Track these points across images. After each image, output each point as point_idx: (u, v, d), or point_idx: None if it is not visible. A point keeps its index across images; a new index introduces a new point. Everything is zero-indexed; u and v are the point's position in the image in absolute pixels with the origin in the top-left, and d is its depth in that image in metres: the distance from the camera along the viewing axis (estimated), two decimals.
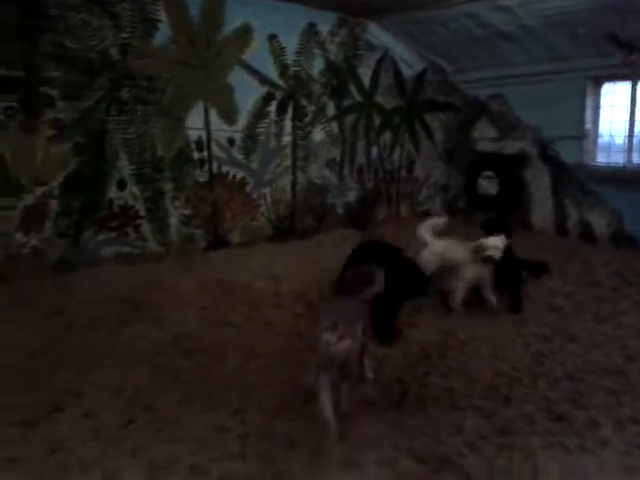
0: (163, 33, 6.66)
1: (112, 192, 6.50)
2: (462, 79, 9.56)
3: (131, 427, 3.20)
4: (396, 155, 9.58)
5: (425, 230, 5.54)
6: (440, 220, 5.74)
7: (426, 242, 5.47)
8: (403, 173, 9.74)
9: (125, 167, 6.56)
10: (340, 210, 8.88)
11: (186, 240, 7.11)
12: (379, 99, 9.16)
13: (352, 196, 9.03)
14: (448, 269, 5.32)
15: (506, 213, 8.38)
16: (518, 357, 4.23)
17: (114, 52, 6.32)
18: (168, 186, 6.91)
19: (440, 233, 5.61)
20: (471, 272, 5.12)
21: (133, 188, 6.63)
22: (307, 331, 4.62)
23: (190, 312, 5.03)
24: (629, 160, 7.93)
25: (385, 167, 9.44)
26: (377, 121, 9.19)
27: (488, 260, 4.99)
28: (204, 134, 7.17)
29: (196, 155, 7.14)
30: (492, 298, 5.16)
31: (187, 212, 7.11)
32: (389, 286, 3.52)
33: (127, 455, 2.91)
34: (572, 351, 4.32)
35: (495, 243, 5.00)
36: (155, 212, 6.81)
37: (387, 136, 9.38)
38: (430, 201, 10.20)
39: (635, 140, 7.95)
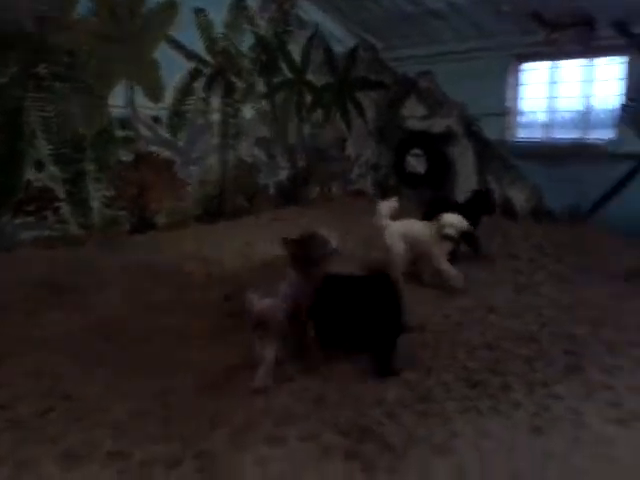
0: (83, 5, 6.34)
1: (30, 173, 6.19)
2: (392, 56, 9.64)
3: (49, 416, 3.11)
4: (327, 133, 9.58)
5: (382, 213, 5.48)
6: (392, 202, 5.63)
7: (384, 225, 5.45)
8: (334, 152, 9.77)
9: (43, 147, 6.26)
10: (271, 190, 8.83)
11: (109, 222, 6.87)
12: (310, 76, 9.12)
13: (283, 175, 8.99)
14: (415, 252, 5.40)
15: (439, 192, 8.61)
16: (439, 328, 4.36)
17: (29, 24, 5.97)
18: (90, 167, 6.65)
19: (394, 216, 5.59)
20: (445, 247, 5.24)
21: (52, 169, 6.34)
22: (235, 313, 4.62)
23: (114, 295, 4.91)
24: (548, 136, 8.25)
25: (317, 146, 9.44)
26: (308, 99, 9.16)
27: (446, 238, 5.12)
28: (128, 112, 6.93)
29: (120, 134, 6.89)
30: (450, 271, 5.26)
31: (110, 193, 6.87)
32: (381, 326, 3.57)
33: (44, 444, 2.83)
34: (491, 321, 4.51)
35: (451, 220, 5.11)
36: (76, 194, 6.55)
37: (318, 114, 9.37)
38: (362, 180, 10.30)
39: (555, 117, 8.27)
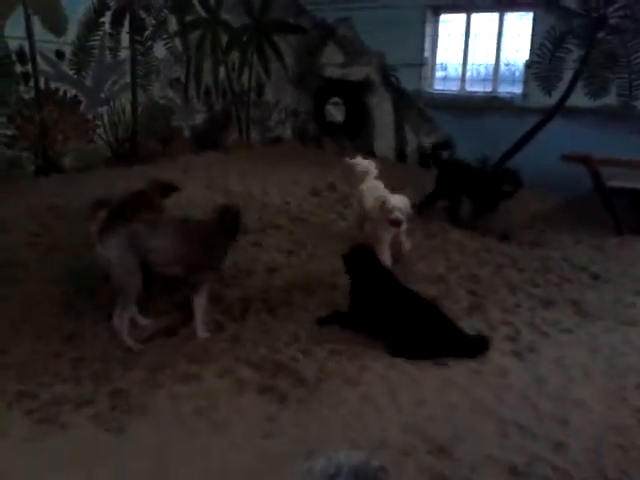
0: None
1: None
2: (310, 0, 9.44)
3: None
4: (245, 77, 9.34)
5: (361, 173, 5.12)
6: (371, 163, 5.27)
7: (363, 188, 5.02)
8: (253, 96, 9.56)
9: None
10: (187, 133, 8.56)
11: (11, 163, 6.46)
12: (225, 16, 8.77)
13: (199, 119, 8.72)
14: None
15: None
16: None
17: None
18: None
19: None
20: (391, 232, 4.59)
21: None
22: None
23: (17, 238, 4.66)
24: (462, 88, 8.48)
25: (234, 89, 9.19)
26: (224, 40, 8.84)
27: (394, 223, 4.48)
28: (27, 44, 6.41)
29: (19, 69, 6.39)
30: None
31: (11, 132, 6.41)
32: None
33: None
34: (402, 263, 4.67)
35: (398, 204, 4.47)
36: None
37: (235, 56, 9.08)
38: (280, 127, 10.18)
39: (469, 69, 8.48)
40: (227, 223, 3.42)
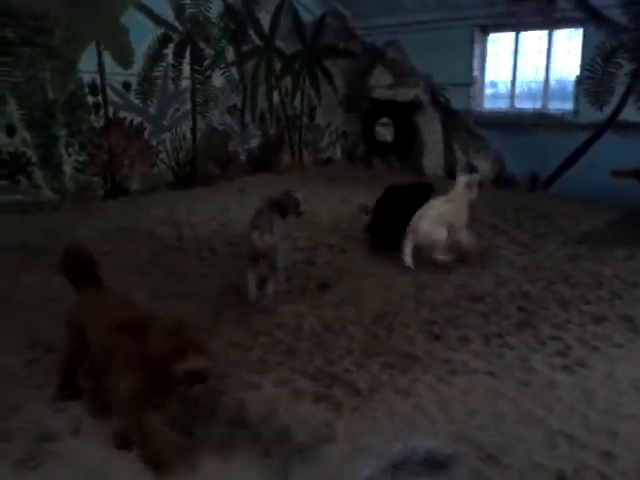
0: None
1: (1, 138, 6.20)
2: (360, 25, 9.74)
3: (33, 367, 3.27)
4: (297, 101, 9.69)
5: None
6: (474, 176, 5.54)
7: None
8: (305, 120, 9.90)
9: (14, 112, 6.25)
10: (243, 157, 8.94)
11: (82, 188, 6.95)
12: (279, 44, 9.17)
13: (255, 143, 9.10)
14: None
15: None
16: (404, 288, 4.63)
17: None
18: (61, 132, 6.68)
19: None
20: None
21: (24, 134, 6.36)
22: (210, 274, 4.81)
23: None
24: (512, 105, 8.53)
25: (287, 113, 9.55)
26: (278, 66, 9.23)
27: None
28: (98, 77, 6.93)
29: (90, 99, 6.91)
30: None
31: (82, 159, 6.92)
32: None
33: (31, 390, 3.00)
34: (451, 281, 4.79)
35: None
36: (48, 159, 6.59)
37: (288, 82, 9.46)
38: (331, 148, 10.46)
39: (518, 87, 8.54)
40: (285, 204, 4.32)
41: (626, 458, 2.56)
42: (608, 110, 7.30)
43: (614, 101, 7.24)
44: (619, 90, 7.19)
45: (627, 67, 7.10)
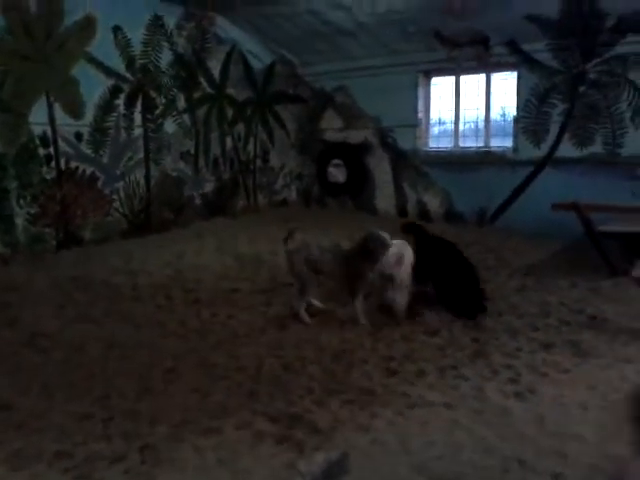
0: None
1: None
2: (309, 72, 10.08)
3: None
4: (250, 146, 9.87)
5: None
6: None
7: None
8: (258, 163, 10.07)
9: None
10: (197, 201, 9.00)
11: (34, 239, 6.84)
12: (230, 91, 9.38)
13: (209, 187, 9.18)
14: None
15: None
16: (361, 326, 4.73)
17: None
18: (12, 184, 6.62)
19: None
20: None
21: None
22: (167, 321, 4.81)
23: (45, 310, 4.95)
24: (456, 145, 8.92)
25: (240, 158, 9.70)
26: (229, 113, 9.41)
27: None
28: (49, 129, 6.94)
29: (42, 151, 6.90)
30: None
31: (34, 211, 6.84)
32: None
33: None
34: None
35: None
36: None
37: (240, 127, 9.65)
38: (286, 190, 10.63)
39: (461, 127, 8.96)
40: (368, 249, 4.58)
41: (574, 477, 2.69)
42: (545, 147, 7.73)
43: (550, 138, 7.68)
44: (554, 128, 7.64)
45: (560, 107, 7.57)
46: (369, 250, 4.58)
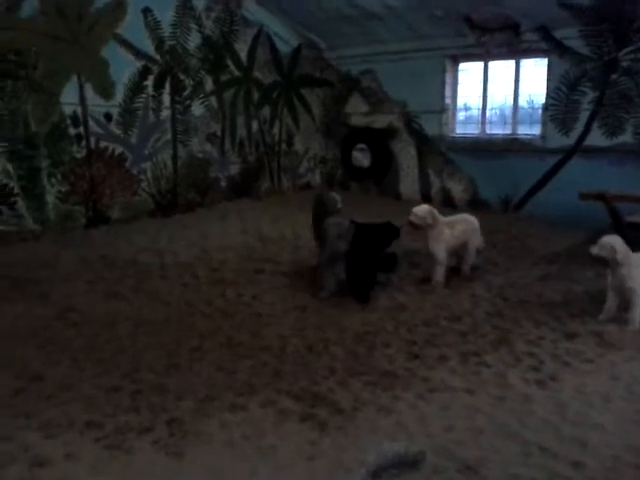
0: (30, 4, 6.43)
1: None
2: (335, 55, 10.03)
3: (21, 396, 3.32)
4: (276, 129, 9.90)
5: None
6: None
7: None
8: (283, 147, 10.10)
9: None
10: (223, 183, 9.08)
11: (64, 217, 7.01)
12: (257, 74, 9.40)
13: (234, 170, 9.25)
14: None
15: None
16: (383, 308, 4.77)
17: None
18: (44, 163, 6.76)
19: None
20: None
21: (6, 165, 6.43)
22: (194, 300, 4.91)
23: (75, 287, 5.08)
24: (483, 131, 8.84)
25: (266, 141, 9.74)
26: (256, 96, 9.44)
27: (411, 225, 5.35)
28: (80, 109, 7.05)
29: (72, 131, 7.02)
30: None
31: (64, 189, 6.99)
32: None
33: (20, 418, 3.05)
34: (430, 300, 4.95)
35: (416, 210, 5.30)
36: (31, 189, 6.66)
37: (266, 110, 9.67)
38: (310, 173, 10.66)
39: (488, 113, 8.87)
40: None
41: (594, 466, 2.70)
42: (574, 135, 7.62)
43: (579, 127, 7.56)
44: (584, 116, 7.53)
45: (590, 95, 7.44)
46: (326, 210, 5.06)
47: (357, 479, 1.41)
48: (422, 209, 5.34)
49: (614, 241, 4.26)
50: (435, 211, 5.33)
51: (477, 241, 5.67)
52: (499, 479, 2.62)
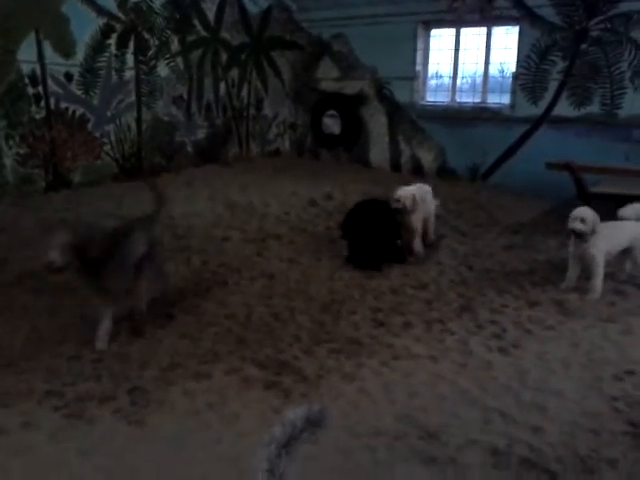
0: None
1: None
2: (306, 18, 9.79)
3: None
4: (244, 92, 9.67)
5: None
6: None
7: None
8: (252, 111, 9.89)
9: None
10: (189, 148, 8.87)
11: (23, 180, 6.76)
12: (225, 35, 9.12)
13: (201, 134, 9.04)
14: None
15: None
16: (350, 277, 4.77)
17: None
18: (0, 123, 6.48)
19: None
20: None
21: None
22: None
23: (32, 252, 4.92)
24: (452, 99, 8.80)
25: (234, 104, 9.52)
26: (224, 57, 9.19)
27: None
28: (38, 68, 6.75)
29: (30, 90, 6.72)
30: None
31: (23, 151, 6.73)
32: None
33: None
34: (397, 269, 4.96)
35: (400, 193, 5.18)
36: None
37: (234, 73, 9.43)
38: (279, 139, 10.50)
39: (458, 82, 8.81)
40: None
41: (553, 430, 2.77)
42: (543, 105, 7.64)
43: (548, 96, 7.59)
44: (553, 86, 7.54)
45: (560, 65, 7.45)
46: None
47: (268, 456, 1.39)
48: (405, 195, 5.16)
49: (586, 213, 4.30)
50: (417, 195, 5.22)
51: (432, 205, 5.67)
52: (460, 445, 2.66)
